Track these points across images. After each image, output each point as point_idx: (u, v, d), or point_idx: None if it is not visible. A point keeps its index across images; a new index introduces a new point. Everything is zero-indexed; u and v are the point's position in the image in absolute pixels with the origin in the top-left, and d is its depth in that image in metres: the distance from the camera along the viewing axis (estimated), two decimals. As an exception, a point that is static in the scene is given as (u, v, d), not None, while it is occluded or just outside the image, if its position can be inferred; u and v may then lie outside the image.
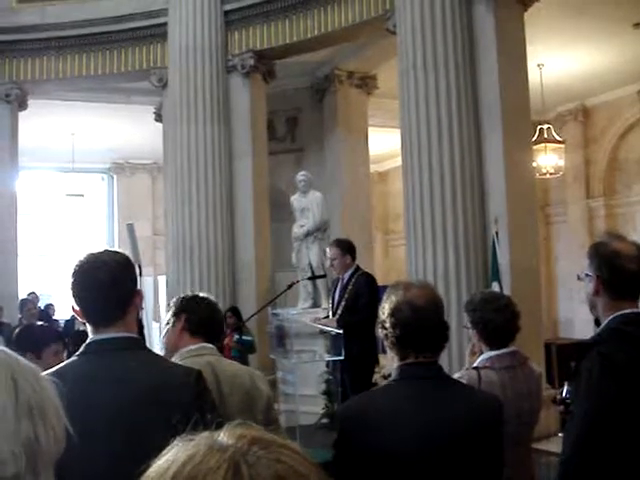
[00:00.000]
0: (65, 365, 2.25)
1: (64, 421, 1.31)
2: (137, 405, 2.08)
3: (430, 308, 2.43)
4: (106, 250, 2.33)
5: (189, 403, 2.00)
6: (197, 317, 3.18)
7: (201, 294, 3.40)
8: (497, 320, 3.40)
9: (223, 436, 0.85)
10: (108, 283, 2.21)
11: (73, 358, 2.25)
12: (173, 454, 0.85)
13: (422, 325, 2.40)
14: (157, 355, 2.44)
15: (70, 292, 2.25)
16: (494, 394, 2.92)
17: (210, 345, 3.17)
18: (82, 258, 2.26)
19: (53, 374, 2.14)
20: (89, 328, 2.28)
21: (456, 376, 3.36)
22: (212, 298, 3.37)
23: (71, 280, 2.24)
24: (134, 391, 2.10)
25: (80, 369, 2.19)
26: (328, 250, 7.34)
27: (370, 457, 2.30)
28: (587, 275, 2.61)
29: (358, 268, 7.15)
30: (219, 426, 0.88)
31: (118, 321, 2.23)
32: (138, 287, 2.35)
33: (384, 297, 2.52)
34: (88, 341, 2.25)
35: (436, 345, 2.47)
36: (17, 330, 4.16)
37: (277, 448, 0.84)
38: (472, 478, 2.32)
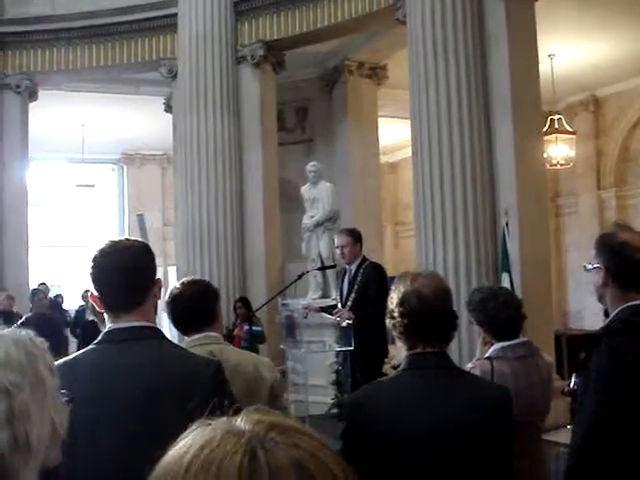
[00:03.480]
0: (83, 353, 2.23)
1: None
2: (155, 395, 2.07)
3: (438, 297, 2.43)
4: (127, 238, 2.34)
5: (208, 393, 1.96)
6: (171, 316, 3.17)
7: (185, 280, 3.28)
8: (500, 317, 3.42)
9: (240, 421, 0.85)
10: (129, 268, 2.20)
11: (91, 346, 2.23)
12: (191, 438, 0.85)
13: (430, 315, 2.40)
14: (176, 345, 2.41)
15: (90, 278, 2.22)
16: (503, 385, 2.92)
17: (214, 334, 3.13)
18: (103, 244, 2.24)
19: (71, 362, 2.15)
20: (106, 316, 2.25)
21: (469, 366, 3.38)
22: (188, 284, 3.19)
23: (91, 265, 2.21)
24: (153, 381, 2.09)
25: (98, 358, 2.18)
26: (337, 238, 7.27)
27: (377, 447, 2.30)
28: (595, 267, 2.60)
29: (365, 258, 7.13)
30: (236, 413, 0.88)
31: (137, 309, 2.21)
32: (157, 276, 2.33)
33: (392, 287, 2.52)
34: (106, 329, 2.23)
35: (444, 335, 2.47)
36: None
37: (295, 434, 0.84)
38: (480, 468, 2.32)
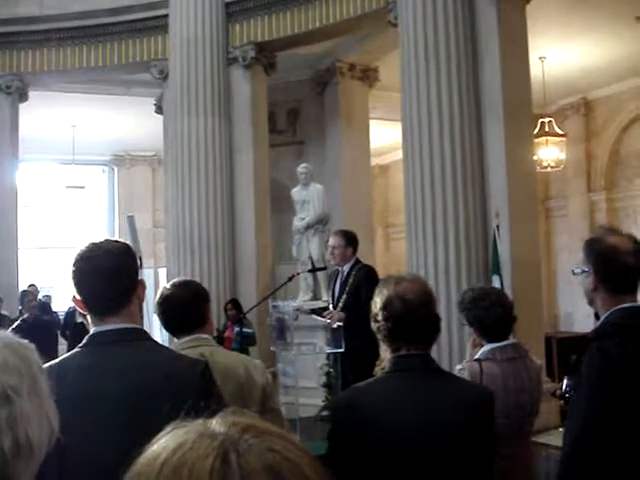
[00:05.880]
0: (68, 356, 2.20)
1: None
2: (143, 397, 2.04)
3: (421, 301, 2.47)
4: (107, 239, 2.29)
5: (195, 394, 1.95)
6: (162, 318, 3.16)
7: (176, 281, 3.25)
8: (491, 317, 3.42)
9: (216, 423, 0.84)
10: (111, 271, 2.16)
11: (76, 349, 2.20)
12: (165, 441, 0.84)
13: (413, 317, 2.44)
14: (162, 346, 2.37)
15: (72, 282, 2.19)
16: (485, 386, 2.94)
17: (205, 335, 3.12)
18: (83, 247, 2.20)
19: (56, 365, 2.12)
20: (90, 319, 2.22)
21: (458, 368, 3.38)
22: (178, 286, 3.17)
23: (72, 269, 2.18)
24: (139, 382, 2.07)
25: (84, 361, 2.15)
26: (331, 238, 7.25)
27: (363, 447, 2.33)
28: (583, 271, 2.59)
29: (358, 261, 7.11)
30: (214, 414, 0.87)
31: (122, 311, 2.18)
32: (140, 277, 2.30)
33: (376, 291, 2.55)
34: (91, 332, 2.20)
35: (427, 337, 2.51)
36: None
37: (270, 437, 0.82)
38: (463, 469, 2.35)
